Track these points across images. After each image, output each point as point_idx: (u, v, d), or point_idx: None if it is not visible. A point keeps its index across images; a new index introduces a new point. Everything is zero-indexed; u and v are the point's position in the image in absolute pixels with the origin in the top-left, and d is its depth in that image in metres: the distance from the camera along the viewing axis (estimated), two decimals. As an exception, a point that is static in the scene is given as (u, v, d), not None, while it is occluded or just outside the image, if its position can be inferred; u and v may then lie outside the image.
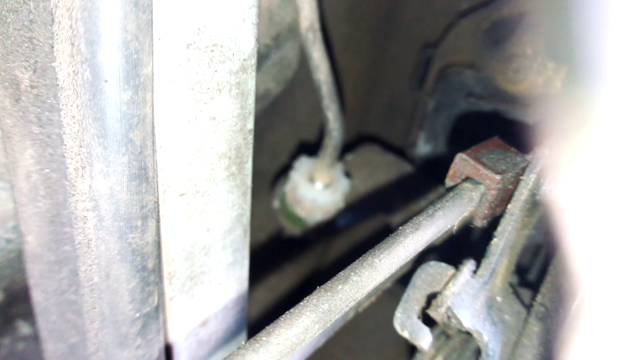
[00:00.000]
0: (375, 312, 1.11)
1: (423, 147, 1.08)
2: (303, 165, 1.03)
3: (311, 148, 1.10)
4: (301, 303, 0.40)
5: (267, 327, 0.38)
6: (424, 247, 0.47)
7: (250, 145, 0.56)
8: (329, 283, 0.41)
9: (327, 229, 1.05)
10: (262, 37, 0.85)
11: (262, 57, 0.86)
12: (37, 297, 0.60)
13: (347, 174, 1.06)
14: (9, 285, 0.74)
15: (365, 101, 1.20)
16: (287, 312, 0.39)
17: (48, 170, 0.52)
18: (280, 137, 1.10)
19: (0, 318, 0.78)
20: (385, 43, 1.14)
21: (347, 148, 1.12)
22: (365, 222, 1.11)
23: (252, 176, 0.59)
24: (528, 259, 0.75)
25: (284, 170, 1.09)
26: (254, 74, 0.52)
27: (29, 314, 0.72)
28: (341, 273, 0.42)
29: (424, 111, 1.04)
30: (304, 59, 0.93)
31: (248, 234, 0.62)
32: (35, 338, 0.79)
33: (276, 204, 1.07)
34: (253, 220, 0.63)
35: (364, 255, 0.44)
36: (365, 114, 1.21)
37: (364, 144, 1.14)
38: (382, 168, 1.07)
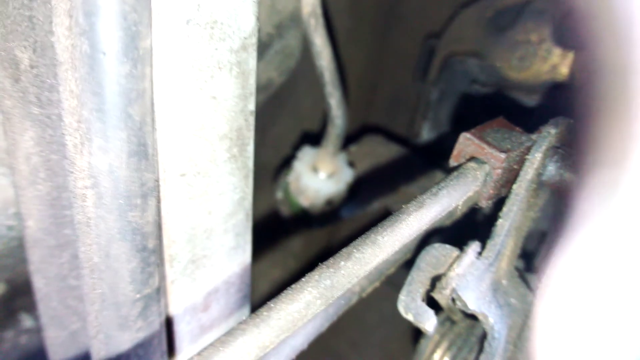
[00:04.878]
0: (380, 306, 1.10)
1: (427, 137, 1.07)
2: (306, 155, 1.02)
3: (314, 141, 1.09)
4: (303, 279, 0.39)
5: (268, 302, 0.38)
6: (427, 226, 0.46)
7: (252, 127, 0.55)
8: (331, 259, 0.41)
9: (331, 218, 1.04)
10: (264, 26, 0.84)
11: (264, 46, 0.85)
12: (38, 283, 0.60)
13: (351, 164, 1.05)
14: (11, 276, 0.73)
15: (369, 93, 1.19)
16: (288, 287, 0.38)
17: (48, 152, 0.52)
18: (283, 130, 1.09)
19: (2, 311, 0.77)
20: (388, 35, 1.13)
21: (351, 139, 1.11)
22: (369, 212, 1.10)
23: (255, 170, 0.58)
24: (534, 245, 0.74)
25: (287, 163, 1.08)
26: (254, 53, 0.51)
27: (32, 307, 0.71)
28: (344, 250, 0.41)
29: (427, 101, 1.04)
30: (306, 51, 0.92)
31: (250, 218, 0.61)
32: (38, 331, 0.79)
33: (279, 194, 1.06)
34: (256, 213, 0.62)
35: (367, 232, 0.43)
36: (369, 106, 1.20)
37: (367, 135, 1.14)
38: (385, 158, 1.07)
